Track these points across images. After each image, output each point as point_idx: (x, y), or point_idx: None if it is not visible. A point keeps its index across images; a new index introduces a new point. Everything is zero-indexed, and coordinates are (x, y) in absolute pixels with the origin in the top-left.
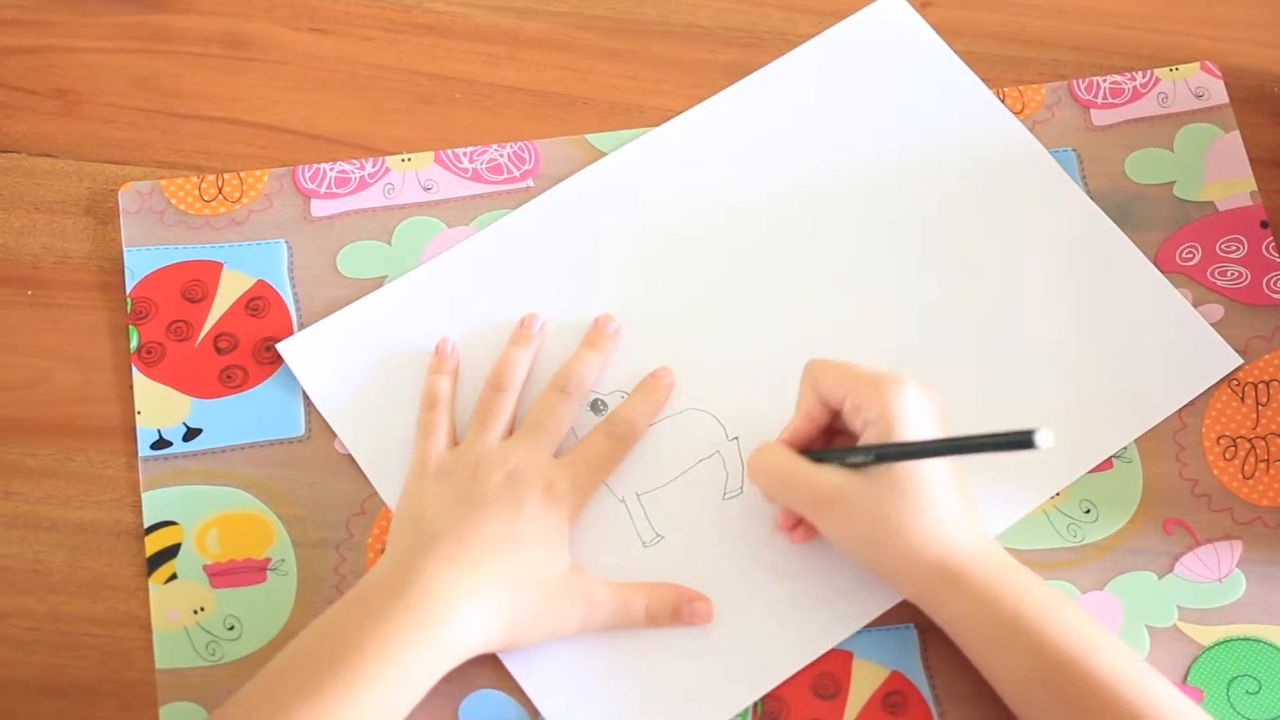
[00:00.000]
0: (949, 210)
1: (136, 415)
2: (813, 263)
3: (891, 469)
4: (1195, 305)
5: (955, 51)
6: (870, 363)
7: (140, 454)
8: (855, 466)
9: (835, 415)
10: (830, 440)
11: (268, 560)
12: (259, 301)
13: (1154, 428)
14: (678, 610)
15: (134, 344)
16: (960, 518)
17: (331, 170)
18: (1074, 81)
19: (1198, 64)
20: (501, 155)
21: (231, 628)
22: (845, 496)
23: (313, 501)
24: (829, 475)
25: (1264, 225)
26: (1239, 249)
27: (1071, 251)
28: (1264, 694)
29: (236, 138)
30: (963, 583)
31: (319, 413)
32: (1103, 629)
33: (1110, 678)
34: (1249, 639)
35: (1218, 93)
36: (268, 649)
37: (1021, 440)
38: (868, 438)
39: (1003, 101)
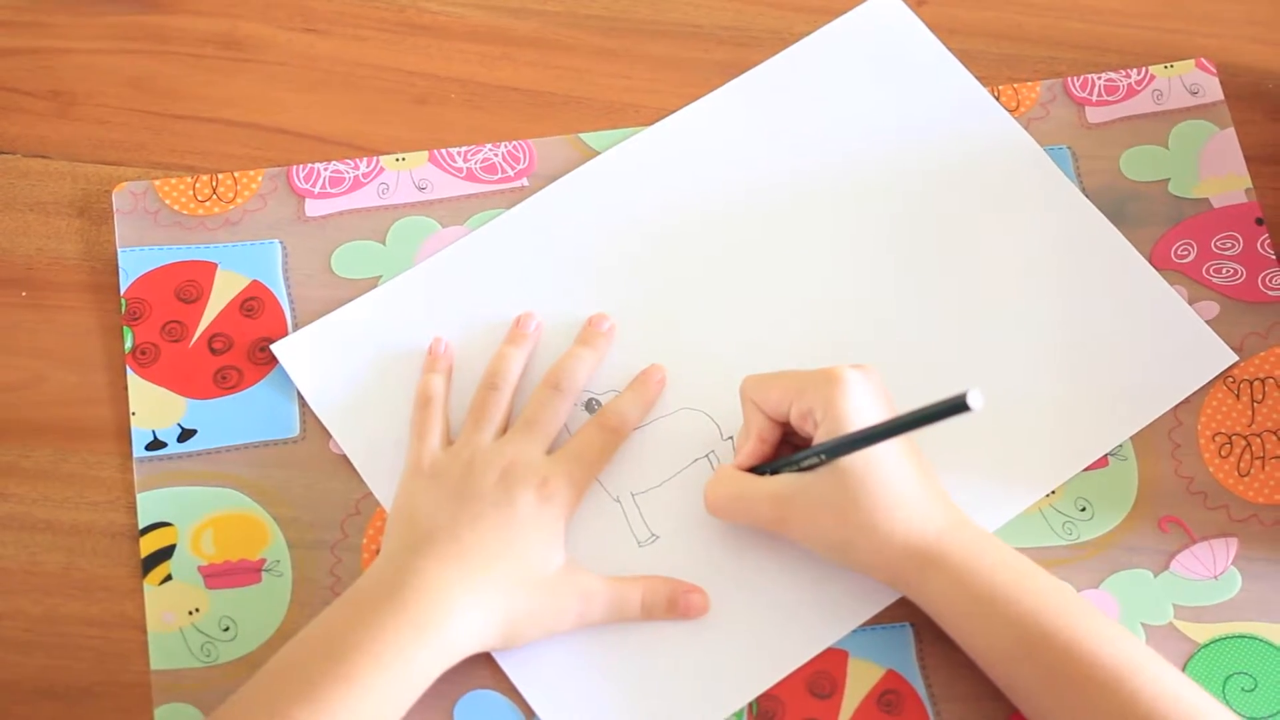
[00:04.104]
0: (944, 208)
1: (131, 416)
2: (807, 261)
3: (839, 463)
4: (1190, 302)
5: (950, 49)
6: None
7: (135, 455)
8: (808, 469)
9: (785, 427)
10: (786, 452)
11: (263, 561)
12: (253, 302)
13: (1149, 425)
14: (673, 602)
15: (128, 345)
16: (920, 496)
17: (326, 170)
18: (1069, 79)
19: (1192, 61)
20: (496, 155)
21: (227, 629)
22: (800, 501)
23: (308, 502)
24: (780, 484)
25: (1259, 222)
26: (1234, 246)
27: (1066, 249)
28: (1260, 691)
29: (231, 138)
30: (935, 563)
31: (313, 413)
32: (1077, 596)
33: (1092, 644)
34: (1244, 636)
35: (1212, 90)
36: (263, 650)
37: (956, 406)
38: (819, 437)
39: (997, 99)
